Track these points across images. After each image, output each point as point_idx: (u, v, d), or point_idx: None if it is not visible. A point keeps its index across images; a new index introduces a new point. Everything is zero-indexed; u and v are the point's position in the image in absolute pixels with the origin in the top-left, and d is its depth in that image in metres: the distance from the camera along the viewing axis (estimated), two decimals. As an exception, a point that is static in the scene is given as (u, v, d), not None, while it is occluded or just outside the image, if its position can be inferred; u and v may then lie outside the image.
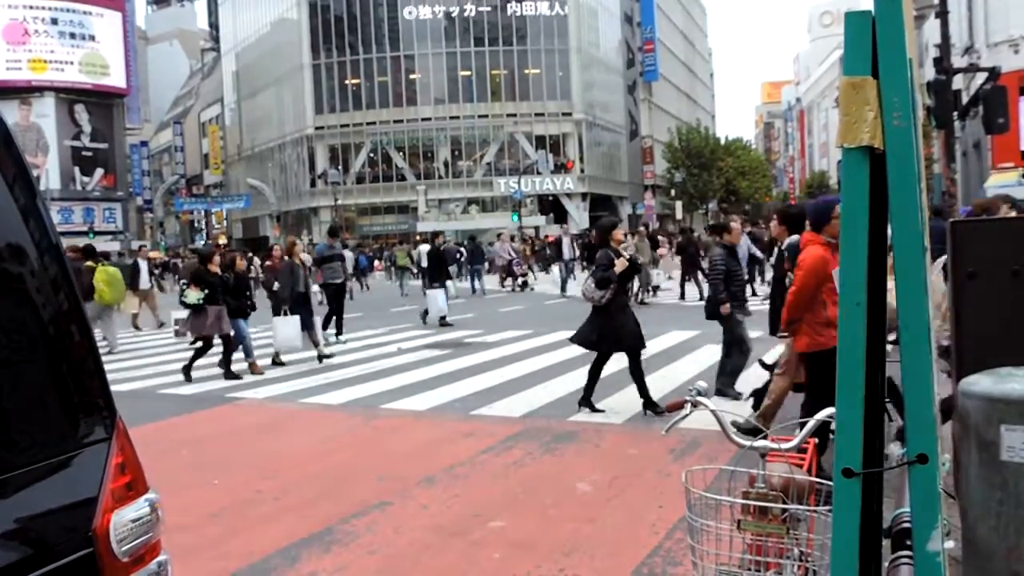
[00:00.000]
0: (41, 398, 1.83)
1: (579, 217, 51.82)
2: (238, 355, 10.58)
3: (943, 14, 16.12)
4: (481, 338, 13.09)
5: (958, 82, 18.64)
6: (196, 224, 68.71)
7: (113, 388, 2.04)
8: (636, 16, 68.36)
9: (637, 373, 7.26)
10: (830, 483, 1.70)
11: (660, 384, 8.58)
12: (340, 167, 53.98)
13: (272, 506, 5.19)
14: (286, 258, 11.45)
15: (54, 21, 50.78)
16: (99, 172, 53.37)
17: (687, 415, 2.53)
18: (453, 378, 9.55)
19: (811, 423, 2.41)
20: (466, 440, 6.67)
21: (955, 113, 16.01)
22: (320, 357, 11.20)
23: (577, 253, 25.80)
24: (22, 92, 49.95)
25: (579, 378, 9.08)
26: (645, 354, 10.63)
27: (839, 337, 1.40)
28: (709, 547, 2.30)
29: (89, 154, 52.76)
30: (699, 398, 2.48)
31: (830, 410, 2.11)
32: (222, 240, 62.63)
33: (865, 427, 1.42)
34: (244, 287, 10.80)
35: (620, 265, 7.20)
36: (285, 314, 11.07)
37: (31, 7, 49.99)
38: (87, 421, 1.92)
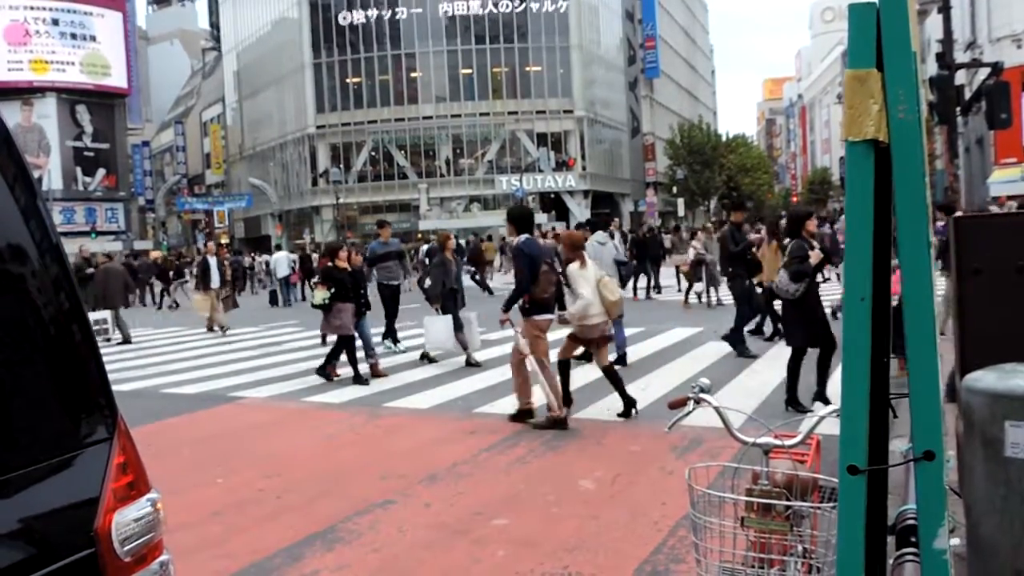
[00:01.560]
0: (42, 398, 1.83)
1: (581, 214, 51.75)
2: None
3: (946, 9, 16.10)
4: (482, 336, 13.06)
5: (960, 78, 18.57)
6: (199, 224, 68.76)
7: (115, 387, 2.04)
8: (637, 13, 68.24)
9: (824, 366, 6.91)
10: (834, 480, 1.69)
11: (664, 380, 8.58)
12: (341, 166, 53.98)
13: (275, 505, 5.19)
14: (440, 254, 10.63)
15: (55, 22, 50.82)
16: (101, 172, 53.45)
17: (690, 412, 2.52)
18: (455, 376, 9.55)
19: (815, 420, 2.40)
20: (468, 438, 6.67)
21: (958, 109, 15.98)
22: (469, 362, 10.23)
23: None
24: (24, 93, 50.01)
25: (580, 375, 9.08)
26: (649, 350, 10.65)
27: (844, 333, 1.39)
28: (712, 544, 2.29)
29: (91, 154, 52.84)
30: (702, 395, 2.48)
31: (833, 406, 2.10)
32: (224, 240, 62.69)
33: (870, 424, 1.41)
34: (360, 284, 10.05)
35: (815, 257, 6.95)
36: (437, 312, 10.35)
37: (32, 8, 50.03)
38: (88, 421, 1.92)
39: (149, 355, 13.27)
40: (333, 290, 9.35)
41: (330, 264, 9.70)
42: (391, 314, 11.81)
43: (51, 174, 49.48)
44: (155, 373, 11.14)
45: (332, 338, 10.26)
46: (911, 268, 1.33)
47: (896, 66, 1.34)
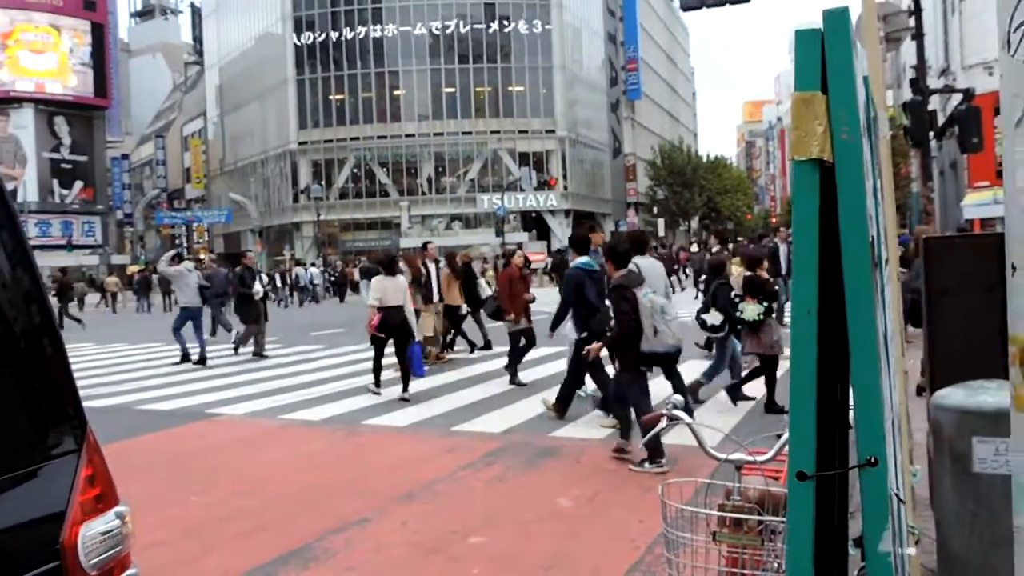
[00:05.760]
0: (11, 411, 1.81)
1: (562, 234, 51.96)
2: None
3: (919, 36, 16.41)
4: (463, 354, 13.06)
5: (934, 103, 18.95)
6: (177, 239, 68.28)
7: (89, 403, 2.02)
8: (619, 35, 69.00)
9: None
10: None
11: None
12: (323, 182, 53.87)
13: (250, 523, 5.13)
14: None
15: (34, 32, 50.53)
16: (78, 185, 52.99)
17: (663, 428, 2.54)
18: (435, 394, 9.51)
19: (785, 435, 2.42)
20: (447, 456, 6.64)
21: (931, 133, 16.27)
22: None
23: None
24: (0, 103, 49.58)
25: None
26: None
27: (792, 345, 1.43)
28: (686, 560, 2.30)
29: (68, 166, 52.39)
30: (676, 412, 2.49)
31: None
32: (203, 255, 62.22)
33: (825, 432, 1.43)
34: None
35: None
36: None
37: (11, 18, 49.72)
38: (56, 433, 1.90)
39: (124, 371, 13.11)
40: (765, 304, 8.13)
41: (754, 273, 8.41)
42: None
43: (26, 186, 49.03)
44: (130, 389, 10.99)
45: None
46: (853, 279, 1.38)
47: (839, 89, 1.41)
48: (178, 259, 14.07)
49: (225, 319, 16.64)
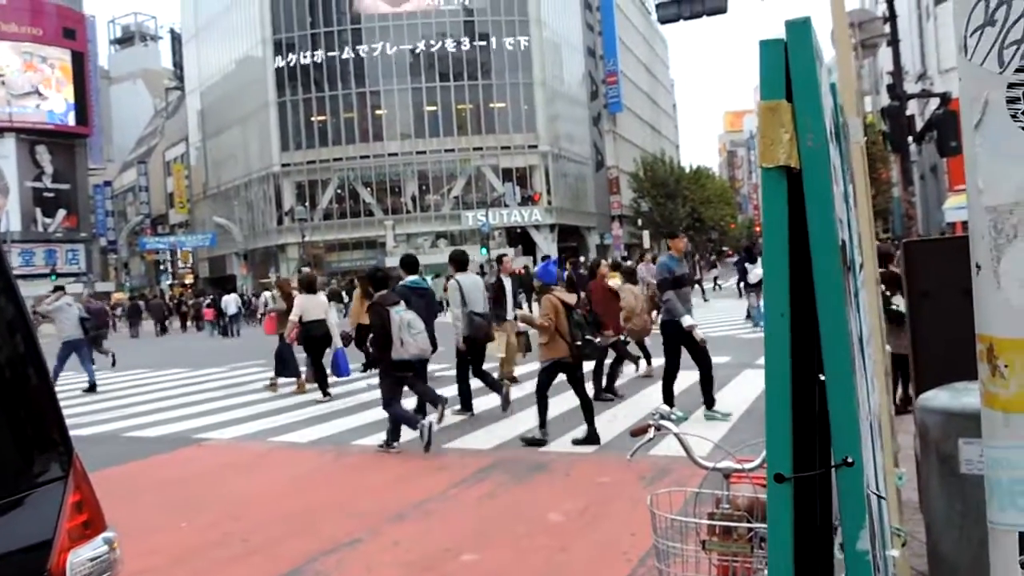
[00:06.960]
0: None
1: (547, 248, 52.05)
2: None
3: (895, 43, 16.63)
4: (450, 371, 12.99)
5: (913, 108, 19.18)
6: (162, 264, 67.87)
7: (74, 432, 2.01)
8: (599, 49, 69.52)
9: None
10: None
11: (631, 411, 8.61)
12: (307, 204, 53.77)
13: (240, 547, 5.09)
14: None
15: (15, 61, 50.36)
16: (61, 213, 52.67)
17: (651, 439, 2.55)
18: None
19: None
20: (437, 474, 6.62)
21: (910, 137, 16.46)
22: None
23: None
24: (-18, 134, 49.32)
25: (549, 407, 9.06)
26: (616, 381, 10.62)
27: (766, 347, 1.45)
28: (677, 570, 2.30)
29: (51, 195, 52.10)
30: (662, 422, 2.50)
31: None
32: (188, 280, 61.94)
33: (803, 433, 1.45)
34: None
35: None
36: None
37: (-9, 49, 49.56)
38: (42, 460, 1.90)
39: (109, 398, 12.99)
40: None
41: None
42: (673, 364, 8.11)
43: (9, 215, 48.62)
44: (116, 417, 10.89)
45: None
46: (823, 282, 1.41)
47: (803, 97, 1.45)
48: (61, 291, 14.93)
49: (100, 351, 17.36)
